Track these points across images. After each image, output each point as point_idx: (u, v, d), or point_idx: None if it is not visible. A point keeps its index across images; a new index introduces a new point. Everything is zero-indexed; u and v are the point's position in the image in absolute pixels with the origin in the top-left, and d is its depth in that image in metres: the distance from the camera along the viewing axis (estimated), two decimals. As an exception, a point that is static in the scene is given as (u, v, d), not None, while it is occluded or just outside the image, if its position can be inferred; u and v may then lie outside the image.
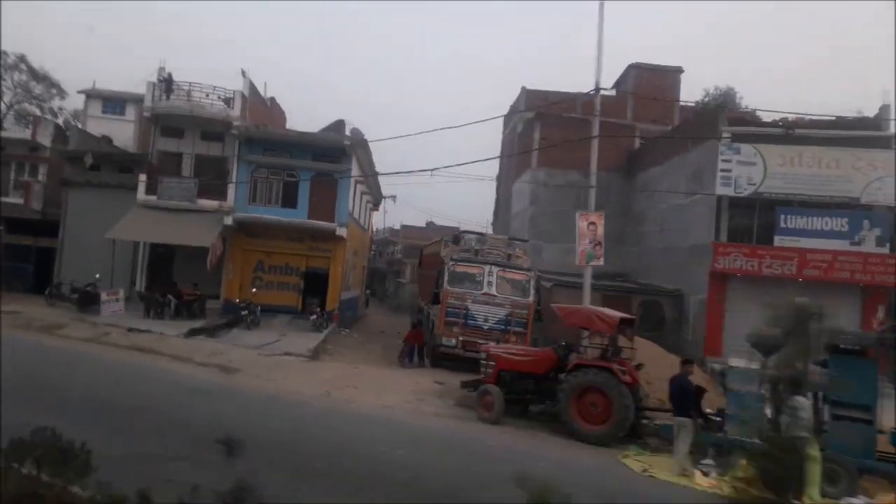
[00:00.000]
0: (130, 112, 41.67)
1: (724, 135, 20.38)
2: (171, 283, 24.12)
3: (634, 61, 34.31)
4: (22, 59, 45.26)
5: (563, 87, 34.53)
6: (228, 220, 23.28)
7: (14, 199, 30.81)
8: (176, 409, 10.72)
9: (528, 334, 16.63)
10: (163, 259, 25.18)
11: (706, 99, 33.04)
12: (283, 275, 24.94)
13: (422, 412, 12.64)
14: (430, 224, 62.72)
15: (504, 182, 36.89)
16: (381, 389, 14.04)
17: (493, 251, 16.79)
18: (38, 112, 43.40)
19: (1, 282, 24.94)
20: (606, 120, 30.93)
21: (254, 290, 22.79)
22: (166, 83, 24.01)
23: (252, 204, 24.63)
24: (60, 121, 33.82)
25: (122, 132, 39.03)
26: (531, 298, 16.74)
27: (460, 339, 16.28)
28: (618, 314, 12.21)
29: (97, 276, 23.80)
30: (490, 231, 39.56)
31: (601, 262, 15.02)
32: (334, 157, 24.89)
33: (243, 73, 25.03)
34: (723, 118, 21.34)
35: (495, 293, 16.49)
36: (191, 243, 22.19)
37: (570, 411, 11.54)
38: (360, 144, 23.98)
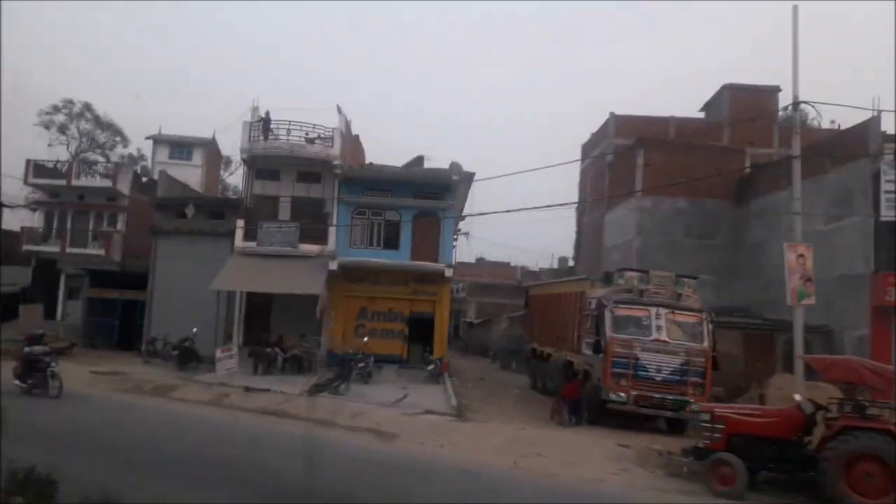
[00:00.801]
0: (197, 157, 41.46)
1: (887, 152, 18.43)
2: (266, 334, 22.79)
3: (728, 82, 32.75)
4: (87, 107, 45.87)
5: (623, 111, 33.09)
6: (333, 266, 21.89)
7: (93, 249, 30.14)
8: (371, 490, 9.06)
9: (707, 385, 14.63)
10: (259, 309, 23.86)
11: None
12: (387, 321, 23.37)
13: (639, 486, 10.71)
14: (480, 260, 61.07)
15: (588, 213, 35.17)
16: (569, 457, 12.14)
17: (660, 291, 14.97)
18: (100, 160, 43.54)
19: None
20: (704, 144, 29.38)
21: (365, 339, 21.18)
22: (264, 123, 23.07)
23: (352, 247, 23.29)
24: (138, 168, 33.21)
25: (188, 177, 38.57)
26: (706, 343, 14.78)
27: (632, 392, 14.35)
28: (890, 367, 10.24)
29: (194, 329, 22.55)
30: (572, 265, 37.79)
31: (813, 301, 13.06)
32: (436, 193, 23.52)
33: (339, 109, 24.03)
34: (876, 135, 19.39)
35: (667, 339, 14.59)
36: (299, 291, 20.82)
37: (840, 484, 9.52)
38: (466, 179, 22.56)
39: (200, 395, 17.24)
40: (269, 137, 23.02)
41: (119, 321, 27.12)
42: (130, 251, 30.94)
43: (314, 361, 21.15)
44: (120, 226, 30.74)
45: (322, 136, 23.12)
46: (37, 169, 31.36)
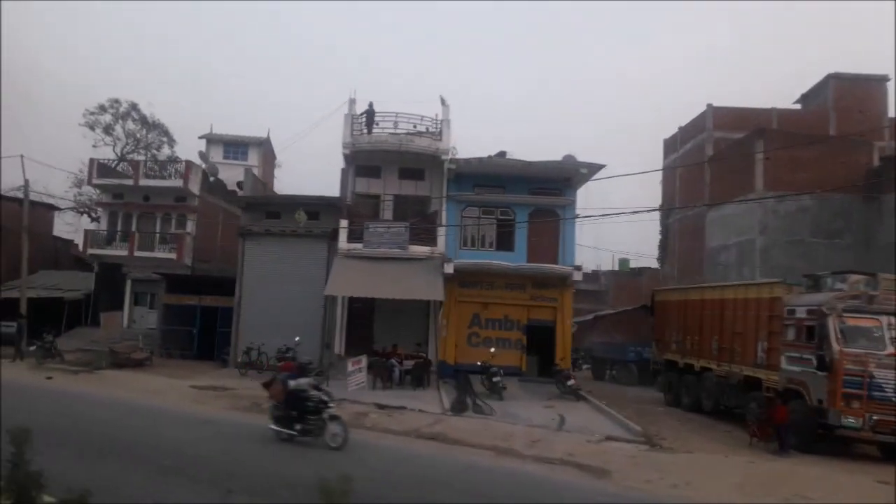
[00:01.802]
0: (252, 156, 39.64)
1: None
2: (369, 342, 20.86)
3: (833, 71, 30.48)
4: (134, 107, 44.15)
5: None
6: (449, 269, 19.85)
7: (163, 253, 28.32)
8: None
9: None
10: (360, 316, 21.87)
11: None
12: (503, 329, 21.31)
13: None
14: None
15: (678, 212, 32.94)
16: (837, 497, 10.03)
17: (889, 297, 12.79)
18: (154, 160, 41.85)
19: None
20: (829, 136, 27.18)
21: (492, 350, 19.14)
22: (367, 116, 21.10)
23: (463, 248, 21.27)
24: (204, 166, 31.37)
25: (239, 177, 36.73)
26: (947, 358, 12.58)
27: (869, 417, 12.20)
28: None
29: (297, 339, 20.59)
30: (657, 266, 35.60)
31: None
32: (554, 189, 21.46)
33: (443, 100, 22.00)
34: None
35: (904, 353, 12.43)
36: (421, 297, 18.88)
37: None
38: (594, 171, 20.46)
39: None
40: (374, 130, 21.00)
41: (198, 329, 25.16)
42: (199, 255, 29.18)
43: (431, 374, 19.10)
44: (190, 228, 28.91)
45: (429, 128, 21.09)
46: (101, 169, 29.63)
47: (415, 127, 21.03)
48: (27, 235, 26.03)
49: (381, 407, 15.96)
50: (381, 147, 20.69)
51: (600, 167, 20.24)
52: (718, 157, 28.49)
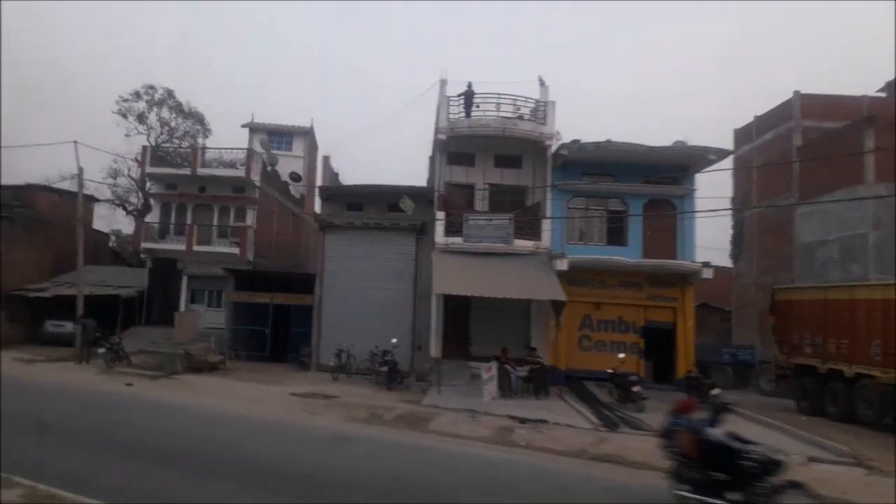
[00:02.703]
0: (297, 146, 37.94)
1: None
2: (465, 345, 19.21)
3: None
4: (170, 93, 42.24)
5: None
6: (562, 265, 18.14)
7: (225, 247, 26.62)
8: None
9: None
10: (456, 316, 20.18)
11: None
12: (617, 332, 19.62)
13: None
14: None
15: (752, 205, 31.19)
16: None
17: None
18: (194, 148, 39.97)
19: None
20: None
21: (621, 356, 17.46)
22: (466, 97, 19.34)
23: (569, 243, 19.57)
24: (264, 156, 29.61)
25: (283, 168, 34.99)
26: None
27: None
28: None
29: (394, 340, 19.02)
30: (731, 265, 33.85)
31: None
32: (670, 177, 19.75)
33: (541, 80, 20.25)
34: None
35: None
36: (542, 297, 17.19)
37: None
38: (722, 157, 18.73)
39: (473, 430, 13.54)
40: (473, 113, 19.27)
41: (271, 329, 23.47)
42: (257, 249, 27.51)
43: (547, 381, 17.43)
44: (250, 220, 27.20)
45: (523, 113, 19.36)
46: (154, 158, 27.91)
47: (518, 109, 19.26)
48: (81, 228, 24.32)
49: (521, 421, 14.30)
50: (483, 132, 18.95)
51: (728, 153, 18.52)
52: (814, 147, 26.73)
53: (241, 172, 26.38)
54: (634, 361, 19.03)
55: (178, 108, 42.90)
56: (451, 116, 19.25)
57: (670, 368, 18.89)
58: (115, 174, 41.27)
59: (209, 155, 27.70)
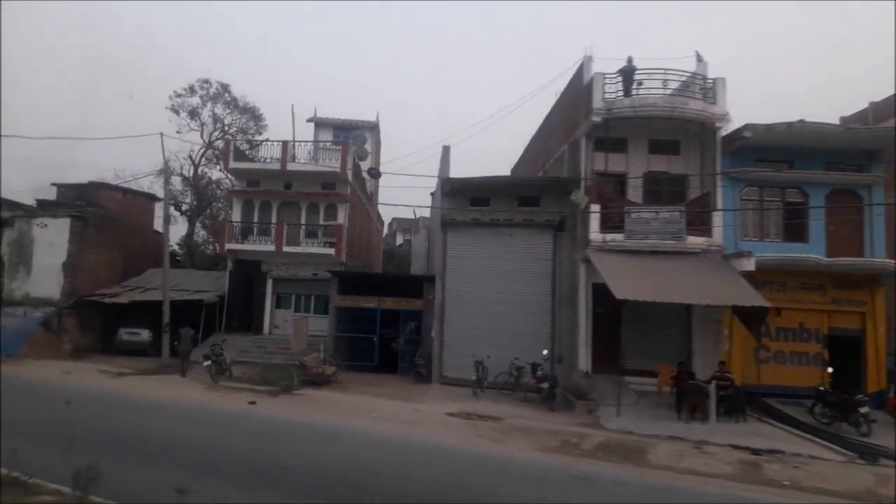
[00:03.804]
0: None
1: None
2: (616, 357, 16.70)
3: None
4: (225, 88, 40.10)
5: None
6: (748, 265, 15.65)
7: (318, 248, 24.36)
8: None
9: None
10: (604, 324, 17.73)
11: None
12: (797, 341, 17.11)
13: None
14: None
15: None
16: None
17: None
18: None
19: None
20: None
21: (829, 370, 14.97)
22: (625, 74, 16.94)
23: (744, 239, 17.09)
24: (354, 149, 27.34)
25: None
26: None
27: None
28: None
29: (545, 352, 16.63)
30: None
31: None
32: (855, 164, 17.26)
33: (699, 56, 17.83)
34: None
35: None
36: (735, 303, 14.63)
37: None
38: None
39: (707, 464, 11.11)
40: (633, 92, 16.87)
41: (378, 336, 21.15)
42: (348, 249, 25.25)
43: (742, 401, 14.93)
44: (341, 218, 24.93)
45: (702, 88, 16.92)
46: (237, 153, 25.76)
47: (687, 86, 16.83)
48: (167, 226, 22.20)
49: (753, 452, 11.84)
50: (648, 112, 16.54)
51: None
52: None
53: (334, 167, 24.11)
54: (818, 374, 16.48)
55: (234, 104, 40.75)
56: (606, 96, 16.84)
57: (854, 381, 16.28)
58: (169, 172, 39.33)
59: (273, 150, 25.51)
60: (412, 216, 51.03)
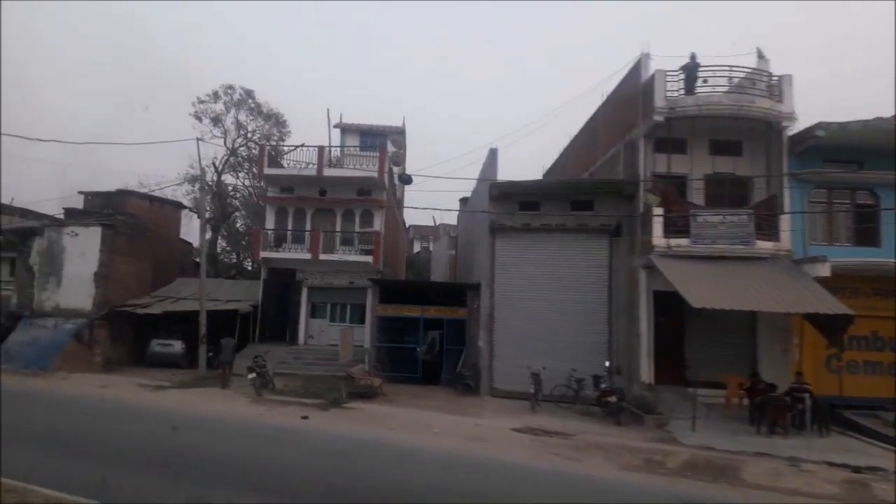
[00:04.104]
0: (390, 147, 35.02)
1: None
2: (680, 368, 15.99)
3: None
4: (249, 94, 39.66)
5: None
6: (823, 270, 14.87)
7: (355, 255, 23.72)
8: None
9: None
10: (666, 333, 16.97)
11: None
12: (870, 349, 16.30)
13: None
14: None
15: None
16: None
17: None
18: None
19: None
20: None
21: (919, 380, 14.15)
22: (688, 71, 16.27)
23: (812, 243, 16.32)
24: (390, 153, 26.78)
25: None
26: None
27: None
28: None
29: (607, 363, 15.82)
30: None
31: None
32: (927, 165, 16.45)
33: (760, 53, 17.12)
34: None
35: None
36: (817, 310, 13.83)
37: None
38: None
39: (809, 484, 10.32)
40: (696, 90, 16.18)
41: (420, 346, 20.45)
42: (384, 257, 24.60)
43: (827, 413, 14.12)
44: (377, 225, 24.30)
45: (768, 84, 16.21)
46: (270, 159, 25.24)
47: (754, 84, 16.13)
48: (204, 234, 21.64)
49: (853, 469, 11.05)
50: (713, 111, 15.85)
51: None
52: None
53: (371, 172, 23.53)
54: (891, 384, 15.66)
55: (257, 110, 40.30)
56: (668, 94, 16.17)
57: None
58: (193, 180, 38.92)
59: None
60: (431, 223, 50.49)
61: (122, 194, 28.31)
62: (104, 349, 23.07)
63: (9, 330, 26.21)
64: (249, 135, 40.41)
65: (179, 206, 32.61)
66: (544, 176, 29.57)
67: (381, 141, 28.54)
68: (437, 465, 10.52)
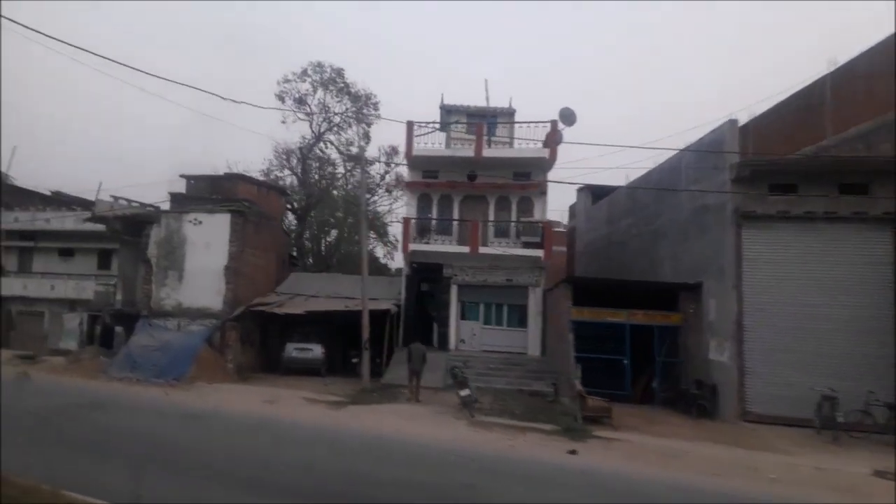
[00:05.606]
0: (502, 131, 31.76)
1: None
2: None
3: None
4: (339, 73, 36.50)
5: None
6: None
7: (519, 249, 20.58)
8: None
9: None
10: None
11: None
12: None
13: None
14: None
15: None
16: None
17: None
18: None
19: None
20: None
21: None
22: None
23: None
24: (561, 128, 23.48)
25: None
26: None
27: None
28: None
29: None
30: None
31: None
32: None
33: None
34: None
35: None
36: None
37: None
38: None
39: None
40: None
41: (629, 358, 17.27)
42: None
43: None
44: (538, 213, 21.15)
45: None
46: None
47: None
48: (366, 223, 18.51)
49: None
50: None
51: None
52: None
53: (540, 153, 20.35)
54: None
55: (346, 90, 37.01)
56: None
57: None
58: (280, 167, 36.07)
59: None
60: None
61: (231, 178, 25.40)
62: (235, 354, 20.21)
63: (112, 330, 23.55)
64: (331, 119, 37.14)
65: (284, 192, 29.68)
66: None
67: (561, 113, 25.27)
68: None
